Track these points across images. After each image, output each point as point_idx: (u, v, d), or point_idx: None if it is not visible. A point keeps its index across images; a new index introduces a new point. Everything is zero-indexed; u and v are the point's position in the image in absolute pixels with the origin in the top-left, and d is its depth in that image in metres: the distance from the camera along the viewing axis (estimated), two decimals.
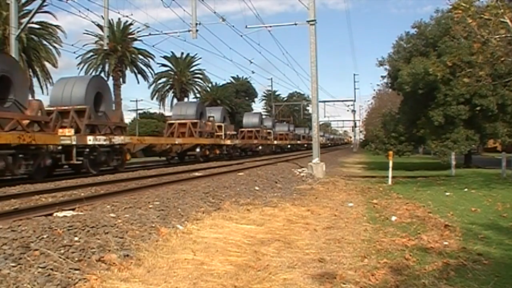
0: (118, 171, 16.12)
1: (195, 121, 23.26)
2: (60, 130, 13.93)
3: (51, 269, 4.30)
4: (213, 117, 26.88)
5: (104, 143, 15.30)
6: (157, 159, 23.73)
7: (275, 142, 41.30)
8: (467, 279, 4.43)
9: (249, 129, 35.00)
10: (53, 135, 13.45)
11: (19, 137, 11.64)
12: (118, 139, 16.25)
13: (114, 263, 4.74)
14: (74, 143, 13.59)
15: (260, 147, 35.25)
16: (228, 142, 27.17)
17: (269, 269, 4.82)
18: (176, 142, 21.12)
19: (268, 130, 39.54)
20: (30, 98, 15.37)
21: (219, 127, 26.26)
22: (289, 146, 46.86)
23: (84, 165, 14.44)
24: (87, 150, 14.48)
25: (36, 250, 4.64)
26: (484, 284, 4.27)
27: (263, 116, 46.15)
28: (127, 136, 17.50)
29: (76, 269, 4.43)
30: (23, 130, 12.31)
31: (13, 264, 4.23)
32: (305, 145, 52.26)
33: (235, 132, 31.10)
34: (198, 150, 22.39)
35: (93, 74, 40.87)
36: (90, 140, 14.42)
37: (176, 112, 24.78)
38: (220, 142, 26.16)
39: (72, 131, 13.93)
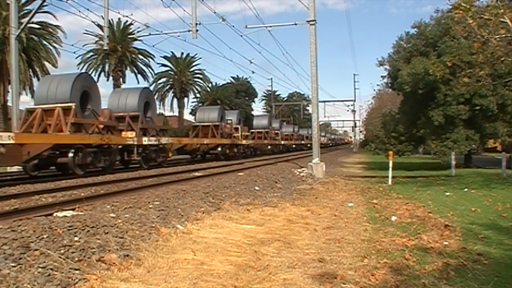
0: (162, 166, 19.26)
1: (217, 123, 26.39)
2: (123, 133, 17.19)
3: (51, 269, 4.30)
4: (231, 120, 29.81)
5: (154, 143, 18.68)
6: (182, 156, 26.73)
7: (282, 142, 44.23)
8: (467, 279, 4.43)
9: (259, 130, 37.97)
10: (121, 137, 16.85)
11: (101, 138, 15.15)
12: (164, 140, 19.79)
13: (114, 263, 4.74)
14: (135, 143, 17.12)
15: (269, 147, 38.33)
16: (244, 142, 30.72)
17: (269, 269, 4.82)
18: (205, 142, 24.57)
19: (276, 131, 42.45)
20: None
21: (236, 128, 29.63)
22: (294, 146, 49.22)
23: (139, 161, 17.94)
24: (141, 148, 17.67)
25: (36, 250, 4.64)
26: (484, 284, 4.27)
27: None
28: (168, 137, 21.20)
29: (76, 269, 4.43)
30: (99, 133, 15.56)
31: (13, 264, 4.23)
32: (308, 145, 52.86)
33: (248, 133, 34.45)
34: (219, 149, 25.47)
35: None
36: (145, 140, 17.79)
37: (200, 116, 27.93)
38: (237, 142, 29.47)
39: (134, 133, 17.35)
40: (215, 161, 23.94)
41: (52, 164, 14.53)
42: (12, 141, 11.60)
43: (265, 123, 39.62)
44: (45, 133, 14.26)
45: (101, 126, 15.94)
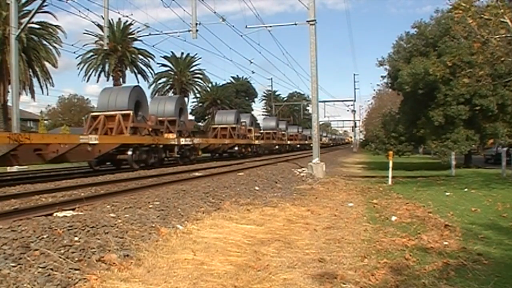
0: (193, 163, 21.87)
1: (234, 126, 29.43)
2: (165, 135, 20.31)
3: (51, 269, 4.30)
4: (245, 122, 33.03)
5: (189, 142, 22.02)
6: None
7: (288, 142, 47.60)
8: (467, 279, 4.43)
9: (268, 131, 40.85)
10: (166, 138, 20.08)
11: (152, 139, 18.62)
12: (196, 140, 23.25)
13: (114, 263, 4.74)
14: (176, 143, 20.50)
15: (277, 146, 41.84)
16: (257, 142, 34.09)
17: (269, 269, 4.82)
18: (226, 142, 27.51)
19: (283, 132, 45.41)
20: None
21: (249, 130, 32.93)
22: (298, 145, 51.86)
23: (177, 158, 21.19)
24: (179, 147, 20.88)
25: (36, 250, 4.64)
26: (484, 284, 4.28)
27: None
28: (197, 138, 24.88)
29: (76, 269, 4.43)
30: (149, 135, 18.91)
31: (13, 264, 4.23)
32: (311, 145, 53.54)
33: (259, 134, 37.68)
34: (236, 148, 28.44)
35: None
36: (182, 141, 21.10)
37: (218, 119, 31.13)
38: (251, 142, 32.95)
39: (174, 135, 20.60)
40: (215, 161, 24.08)
41: (111, 160, 17.75)
42: (97, 142, 14.87)
43: (273, 125, 42.37)
44: (107, 135, 17.04)
45: (150, 129, 19.28)
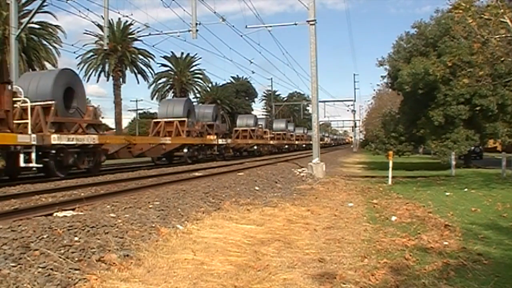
0: (225, 159, 26.03)
1: (253, 128, 34.25)
2: (208, 136, 24.98)
3: (51, 269, 4.30)
4: (261, 124, 37.79)
5: (224, 142, 26.87)
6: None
7: (296, 142, 52.38)
8: (467, 279, 4.43)
9: (278, 132, 45.62)
10: (209, 139, 24.91)
11: (201, 140, 23.44)
12: (229, 140, 28.64)
13: (114, 263, 4.74)
14: (216, 143, 25.20)
15: (286, 146, 46.94)
16: (272, 142, 39.11)
17: (269, 269, 4.82)
18: (249, 142, 32.25)
19: (291, 133, 50.55)
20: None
21: (265, 132, 37.76)
22: (304, 145, 55.62)
23: (216, 155, 25.55)
24: (217, 147, 25.64)
25: (36, 250, 4.64)
26: (484, 284, 4.27)
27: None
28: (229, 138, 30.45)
29: (76, 269, 4.43)
30: (197, 136, 23.70)
31: (13, 264, 4.23)
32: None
33: (272, 135, 42.02)
34: (255, 147, 33.29)
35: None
36: (220, 141, 25.94)
37: (240, 122, 35.91)
38: (267, 142, 38.32)
39: (215, 136, 25.64)
40: (215, 161, 24.12)
41: (170, 156, 22.13)
42: (170, 142, 19.88)
43: (283, 126, 47.79)
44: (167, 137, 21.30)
45: (197, 131, 23.88)
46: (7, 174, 12.01)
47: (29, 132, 11.72)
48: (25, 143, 11.45)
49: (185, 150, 21.51)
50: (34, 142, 11.59)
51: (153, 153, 20.26)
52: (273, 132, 44.15)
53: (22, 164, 11.50)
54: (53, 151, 12.76)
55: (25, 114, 12.21)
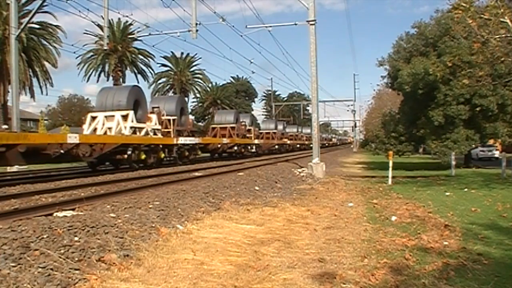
0: (244, 158, 28.47)
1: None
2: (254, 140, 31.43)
3: (51, 269, 4.30)
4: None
5: (244, 143, 31.08)
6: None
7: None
8: (467, 279, 4.43)
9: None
10: (249, 139, 31.63)
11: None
12: (259, 141, 34.09)
13: (114, 263, 4.74)
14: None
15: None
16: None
17: (269, 269, 4.82)
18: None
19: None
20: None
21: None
22: (310, 145, 55.73)
23: (238, 153, 29.36)
24: (237, 146, 29.29)
25: (36, 250, 4.64)
26: (484, 284, 4.27)
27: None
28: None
29: (76, 269, 4.43)
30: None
31: (13, 264, 4.23)
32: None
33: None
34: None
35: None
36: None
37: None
38: (284, 142, 44.71)
39: (255, 138, 32.79)
40: (215, 161, 24.08)
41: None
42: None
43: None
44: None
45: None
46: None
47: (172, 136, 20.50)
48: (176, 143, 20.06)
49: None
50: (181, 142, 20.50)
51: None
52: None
53: (174, 154, 20.17)
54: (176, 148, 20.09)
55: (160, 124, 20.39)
